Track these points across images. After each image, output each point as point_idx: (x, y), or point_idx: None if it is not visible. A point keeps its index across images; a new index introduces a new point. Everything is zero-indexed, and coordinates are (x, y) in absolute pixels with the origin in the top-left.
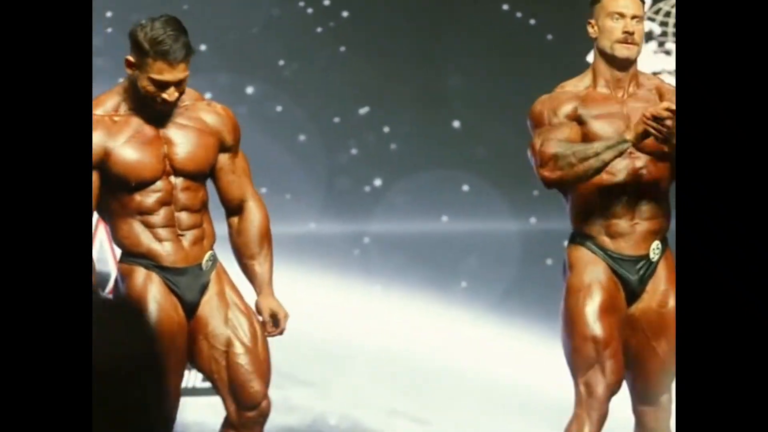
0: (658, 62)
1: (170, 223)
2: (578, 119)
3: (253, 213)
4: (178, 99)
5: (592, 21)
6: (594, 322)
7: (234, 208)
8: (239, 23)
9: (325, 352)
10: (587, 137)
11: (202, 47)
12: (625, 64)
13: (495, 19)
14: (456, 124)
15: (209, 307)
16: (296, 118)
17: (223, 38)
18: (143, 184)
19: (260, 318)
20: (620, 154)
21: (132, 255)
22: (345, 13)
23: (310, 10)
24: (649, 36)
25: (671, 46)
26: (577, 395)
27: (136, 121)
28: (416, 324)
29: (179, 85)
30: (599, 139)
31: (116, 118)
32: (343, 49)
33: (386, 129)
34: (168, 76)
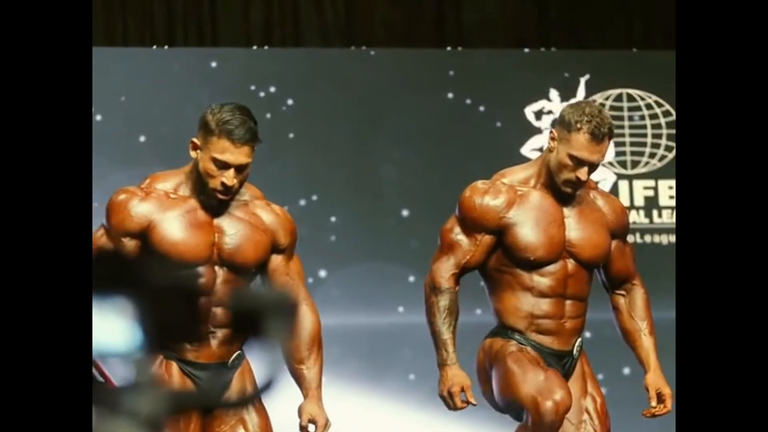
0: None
1: (204, 317)
2: (502, 227)
3: (305, 317)
4: (237, 190)
5: (554, 134)
6: (540, 366)
7: None
8: (179, 113)
9: None
10: (509, 239)
11: (141, 138)
12: (568, 193)
13: (440, 106)
14: (405, 212)
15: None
16: None
17: (161, 129)
18: (184, 266)
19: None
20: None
21: None
22: (290, 101)
23: (262, 94)
24: None
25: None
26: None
27: (191, 204)
28: (360, 417)
29: (240, 170)
30: (519, 246)
31: (172, 196)
32: (291, 135)
33: (333, 218)
34: (230, 157)
